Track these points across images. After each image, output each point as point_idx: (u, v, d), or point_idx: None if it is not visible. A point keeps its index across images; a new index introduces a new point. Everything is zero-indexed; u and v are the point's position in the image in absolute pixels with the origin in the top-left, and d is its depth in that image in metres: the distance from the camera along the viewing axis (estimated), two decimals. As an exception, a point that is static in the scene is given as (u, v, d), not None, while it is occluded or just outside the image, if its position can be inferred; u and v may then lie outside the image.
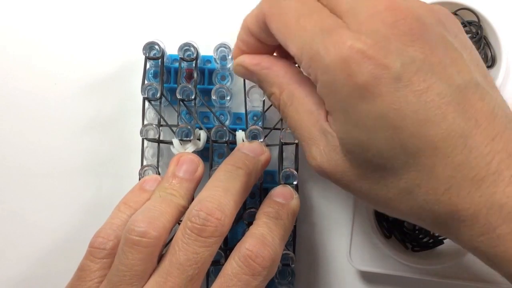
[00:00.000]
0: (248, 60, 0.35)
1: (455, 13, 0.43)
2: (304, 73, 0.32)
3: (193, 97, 0.40)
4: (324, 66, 0.28)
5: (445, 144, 0.26)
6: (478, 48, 0.44)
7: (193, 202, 0.34)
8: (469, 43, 0.31)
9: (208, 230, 0.32)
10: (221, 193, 0.34)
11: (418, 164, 0.27)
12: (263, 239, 0.33)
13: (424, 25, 0.28)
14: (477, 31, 0.43)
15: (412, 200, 0.28)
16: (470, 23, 0.44)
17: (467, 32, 0.44)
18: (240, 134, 0.41)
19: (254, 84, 0.41)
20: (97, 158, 0.46)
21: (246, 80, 0.42)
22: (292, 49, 0.30)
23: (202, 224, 0.32)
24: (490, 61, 0.44)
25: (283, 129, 0.41)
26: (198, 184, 0.38)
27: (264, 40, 0.34)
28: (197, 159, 0.38)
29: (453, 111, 0.27)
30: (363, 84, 0.27)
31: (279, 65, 0.34)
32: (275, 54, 0.36)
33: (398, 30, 0.27)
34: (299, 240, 0.43)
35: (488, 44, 0.44)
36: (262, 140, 0.40)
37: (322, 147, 0.31)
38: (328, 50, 0.27)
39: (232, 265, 0.33)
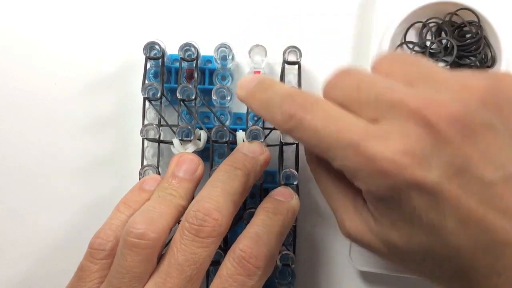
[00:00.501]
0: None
1: (455, 13, 0.43)
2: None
3: (193, 97, 0.40)
4: (363, 173, 0.27)
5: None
6: (478, 48, 0.44)
7: (191, 203, 0.34)
8: None
9: (206, 230, 0.32)
10: (219, 194, 0.34)
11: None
12: (257, 238, 0.33)
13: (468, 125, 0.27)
14: (477, 31, 0.43)
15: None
16: (470, 23, 0.44)
17: (467, 32, 0.44)
18: (240, 134, 0.41)
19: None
20: (97, 158, 0.46)
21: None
22: (329, 154, 0.29)
23: (199, 225, 0.32)
24: (490, 61, 0.44)
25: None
26: (198, 184, 0.38)
27: None
28: (197, 159, 0.38)
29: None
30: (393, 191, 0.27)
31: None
32: None
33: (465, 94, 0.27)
34: (299, 240, 0.43)
35: (488, 44, 0.44)
36: (262, 140, 0.40)
37: (354, 221, 0.31)
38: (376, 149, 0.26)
39: (227, 266, 0.33)
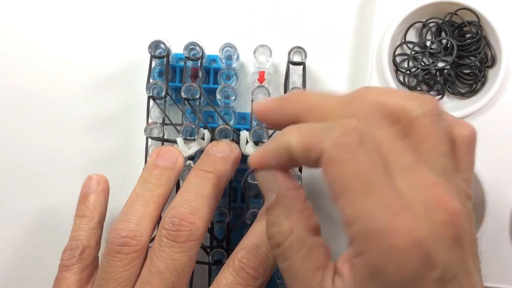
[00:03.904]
0: (283, 176, 0.31)
1: (455, 13, 0.44)
2: (348, 233, 0.28)
3: (198, 96, 0.40)
4: (381, 248, 0.25)
5: None
6: (478, 48, 0.44)
7: (166, 210, 0.34)
8: None
9: (183, 235, 0.32)
10: (193, 198, 0.34)
11: None
12: (257, 249, 0.34)
13: (464, 231, 0.27)
14: (477, 31, 0.44)
15: None
16: (470, 23, 0.44)
17: (467, 32, 0.45)
18: (244, 134, 0.41)
19: (259, 84, 0.42)
20: (101, 156, 0.46)
21: (252, 80, 0.42)
22: (346, 210, 0.26)
23: (176, 230, 0.32)
24: (490, 61, 0.44)
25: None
26: (179, 175, 0.38)
27: (299, 164, 0.30)
28: (177, 151, 0.38)
29: None
30: (411, 273, 0.25)
31: (307, 207, 0.31)
32: None
33: (447, 231, 0.26)
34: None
35: (488, 44, 0.44)
36: (266, 140, 0.40)
37: None
38: (390, 232, 0.25)
39: (226, 275, 0.33)
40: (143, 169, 0.40)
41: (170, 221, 0.33)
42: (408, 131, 0.28)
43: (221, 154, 0.38)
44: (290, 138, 0.29)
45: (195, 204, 0.34)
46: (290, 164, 0.30)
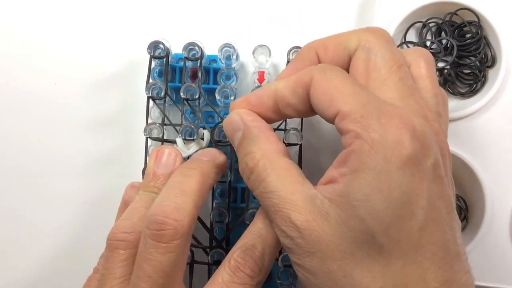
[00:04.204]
0: (246, 113, 0.34)
1: (455, 13, 0.44)
2: (342, 128, 0.30)
3: (197, 96, 0.40)
4: (376, 125, 0.28)
5: (442, 254, 0.28)
6: (478, 48, 0.44)
7: (149, 210, 0.33)
8: None
9: (168, 234, 0.31)
10: (177, 193, 0.33)
11: (415, 262, 0.27)
12: (252, 250, 0.33)
13: (449, 152, 0.31)
14: (477, 31, 0.44)
15: None
16: (470, 23, 0.44)
17: (467, 32, 0.45)
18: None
19: (259, 84, 0.42)
20: (101, 157, 0.46)
21: (252, 81, 0.42)
22: (341, 107, 0.29)
23: (160, 229, 0.31)
24: (490, 61, 0.44)
25: (286, 129, 0.41)
26: None
27: (290, 105, 0.33)
28: (175, 151, 0.38)
29: (452, 230, 0.29)
30: (407, 156, 0.27)
31: (273, 134, 0.33)
32: None
33: (436, 139, 0.30)
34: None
35: (488, 44, 0.44)
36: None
37: (305, 216, 0.29)
38: (384, 113, 0.28)
39: (222, 274, 0.33)
40: (142, 170, 0.40)
41: (154, 220, 0.31)
42: None
43: (206, 158, 0.37)
44: (277, 84, 0.33)
45: (179, 200, 0.33)
46: (272, 110, 0.34)
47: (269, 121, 0.35)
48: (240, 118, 0.34)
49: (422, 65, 0.33)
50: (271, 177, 0.31)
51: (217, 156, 0.38)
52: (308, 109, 0.32)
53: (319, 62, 0.34)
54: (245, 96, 0.35)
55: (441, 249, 0.27)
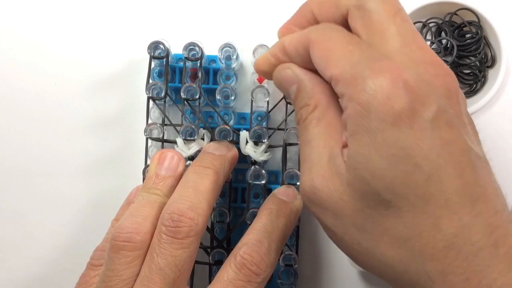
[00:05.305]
0: (297, 66, 0.33)
1: (455, 13, 0.44)
2: (337, 92, 0.30)
3: (197, 96, 0.40)
4: (365, 85, 0.27)
5: (456, 199, 0.26)
6: (478, 48, 0.44)
7: (165, 207, 0.34)
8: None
9: (183, 231, 0.32)
10: (192, 193, 0.34)
11: (426, 212, 0.27)
12: (259, 245, 0.34)
13: (458, 89, 0.29)
14: (477, 31, 0.44)
15: (406, 249, 0.27)
16: (470, 23, 0.44)
17: (467, 32, 0.45)
18: (244, 134, 0.41)
19: (259, 84, 0.42)
20: (101, 157, 0.46)
21: (251, 80, 0.42)
22: (333, 71, 0.29)
23: (176, 226, 0.32)
24: (490, 61, 0.44)
25: (287, 129, 0.41)
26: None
27: (294, 61, 0.33)
28: (178, 155, 0.38)
29: (470, 172, 0.27)
30: (399, 111, 0.26)
31: (324, 84, 0.32)
32: None
33: (439, 82, 0.28)
34: (302, 241, 0.43)
35: (488, 44, 0.44)
36: (265, 140, 0.40)
37: (323, 171, 0.30)
38: (373, 70, 0.27)
39: (227, 271, 0.33)
40: (143, 170, 0.40)
41: (169, 217, 0.32)
42: None
43: (218, 152, 0.38)
44: (284, 39, 0.33)
45: (194, 199, 0.34)
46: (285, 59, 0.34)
47: None
48: (293, 72, 0.33)
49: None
50: (315, 128, 0.31)
51: (229, 149, 0.38)
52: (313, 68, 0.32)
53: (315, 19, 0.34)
54: (264, 55, 0.35)
55: (455, 194, 0.26)
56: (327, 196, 0.29)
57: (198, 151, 0.40)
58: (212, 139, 0.41)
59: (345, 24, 0.32)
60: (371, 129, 0.27)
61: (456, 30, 0.45)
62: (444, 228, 0.26)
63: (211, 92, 0.43)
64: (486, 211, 0.27)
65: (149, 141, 0.42)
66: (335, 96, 0.32)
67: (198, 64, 0.41)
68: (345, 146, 0.29)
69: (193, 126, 0.40)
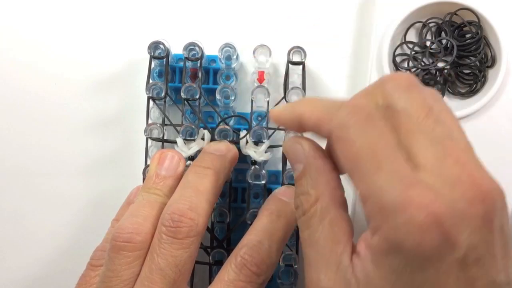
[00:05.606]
0: (310, 145, 0.31)
1: (455, 13, 0.44)
2: (364, 210, 0.27)
3: (197, 96, 0.40)
4: (395, 222, 0.24)
5: None
6: (478, 48, 0.44)
7: (165, 207, 0.34)
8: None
9: (183, 231, 0.32)
10: (192, 194, 0.34)
11: None
12: (259, 245, 0.34)
13: (495, 212, 0.25)
14: (477, 31, 0.44)
15: None
16: (470, 23, 0.44)
17: (467, 32, 0.45)
18: (243, 134, 0.41)
19: (259, 84, 0.42)
20: (101, 157, 0.46)
21: (251, 80, 0.42)
22: (360, 186, 0.26)
23: (176, 226, 0.32)
24: (490, 61, 0.44)
25: (287, 129, 0.41)
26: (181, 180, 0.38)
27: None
28: (178, 155, 0.38)
29: None
30: (429, 255, 0.24)
31: (334, 177, 0.30)
32: None
33: (475, 209, 0.24)
34: (302, 240, 0.43)
35: (488, 44, 0.44)
36: (266, 140, 0.40)
37: (332, 281, 0.27)
38: (404, 205, 0.24)
39: (228, 271, 0.33)
40: (143, 170, 0.40)
41: (170, 218, 0.32)
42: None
43: (218, 152, 0.38)
44: (304, 110, 0.29)
45: (194, 200, 0.34)
46: (304, 130, 0.31)
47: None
48: (303, 150, 0.31)
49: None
50: (319, 227, 0.28)
51: (229, 149, 0.38)
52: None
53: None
54: (279, 110, 0.32)
55: None
56: None
57: (198, 151, 0.40)
58: (212, 139, 0.41)
59: None
60: (397, 269, 0.25)
61: (456, 30, 0.45)
62: None
63: (211, 92, 0.43)
64: None
65: (149, 141, 0.42)
66: (341, 191, 0.30)
67: (198, 64, 0.41)
68: (353, 252, 0.27)
69: (193, 126, 0.40)
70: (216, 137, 0.41)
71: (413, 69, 0.45)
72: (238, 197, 0.43)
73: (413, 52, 0.45)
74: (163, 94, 0.41)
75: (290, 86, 0.42)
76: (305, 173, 0.30)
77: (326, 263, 0.27)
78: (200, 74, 0.41)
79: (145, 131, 0.41)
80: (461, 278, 0.25)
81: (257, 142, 0.40)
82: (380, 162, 0.25)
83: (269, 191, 0.41)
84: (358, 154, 0.26)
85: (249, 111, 0.42)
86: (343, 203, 0.29)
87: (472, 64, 0.44)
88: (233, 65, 0.43)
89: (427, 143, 0.26)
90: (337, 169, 0.30)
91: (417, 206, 0.23)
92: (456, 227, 0.24)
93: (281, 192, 0.38)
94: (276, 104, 0.42)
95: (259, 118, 0.42)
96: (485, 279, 0.25)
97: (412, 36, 0.46)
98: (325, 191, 0.29)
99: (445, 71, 0.45)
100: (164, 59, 0.41)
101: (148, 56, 0.41)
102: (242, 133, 0.41)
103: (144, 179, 0.40)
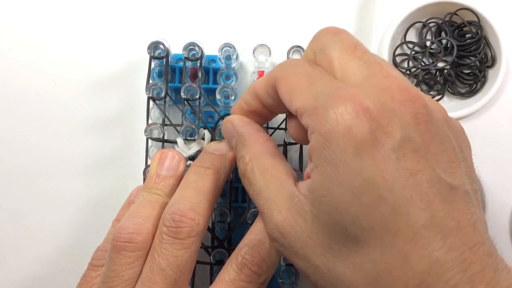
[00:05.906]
0: (238, 119, 0.36)
1: (455, 13, 0.44)
2: (303, 124, 0.29)
3: (197, 96, 0.40)
4: (326, 115, 0.26)
5: (425, 233, 0.25)
6: (478, 48, 0.44)
7: (166, 207, 0.34)
8: (471, 160, 0.30)
9: (184, 231, 0.32)
10: (192, 194, 0.34)
11: (394, 246, 0.25)
12: (260, 245, 0.34)
13: (430, 115, 0.27)
14: (477, 31, 0.44)
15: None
16: (470, 23, 0.44)
17: (467, 32, 0.45)
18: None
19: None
20: (101, 157, 0.46)
21: (251, 80, 0.42)
22: (296, 104, 0.29)
23: (177, 227, 0.32)
24: (490, 61, 0.45)
25: (286, 129, 0.41)
26: (181, 180, 0.38)
27: (267, 104, 0.34)
28: (178, 155, 0.38)
29: (439, 204, 0.25)
30: (361, 140, 0.26)
31: (261, 135, 0.34)
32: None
33: (405, 109, 0.26)
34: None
35: (488, 44, 0.44)
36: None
37: (285, 213, 0.29)
38: (334, 100, 0.27)
39: (229, 271, 0.33)
40: (143, 170, 0.40)
41: (171, 218, 0.33)
42: None
43: (219, 152, 0.38)
44: (255, 85, 0.34)
45: (195, 200, 0.34)
46: (262, 110, 0.35)
47: (266, 119, 0.37)
48: (232, 125, 0.35)
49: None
50: (257, 178, 0.32)
51: (230, 149, 0.38)
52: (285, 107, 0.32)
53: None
54: (238, 101, 0.36)
55: (424, 228, 0.25)
56: (295, 238, 0.29)
57: (199, 151, 0.40)
58: (212, 139, 0.41)
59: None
60: (333, 160, 0.26)
61: (456, 30, 0.45)
62: (415, 264, 0.25)
63: (211, 92, 0.43)
64: (459, 245, 0.25)
65: (150, 141, 0.42)
66: (270, 144, 0.34)
67: (198, 64, 0.41)
68: (306, 178, 0.29)
69: (193, 126, 0.40)
70: (216, 137, 0.41)
71: (413, 69, 0.45)
72: (238, 196, 0.43)
73: (413, 52, 0.45)
74: (163, 94, 0.41)
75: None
76: (238, 143, 0.34)
77: (274, 201, 0.30)
78: (200, 74, 0.41)
79: (145, 131, 0.41)
80: (400, 168, 0.25)
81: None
82: (312, 82, 0.29)
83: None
84: (293, 83, 0.30)
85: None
86: (276, 153, 0.33)
87: (472, 64, 0.44)
88: (233, 65, 0.43)
89: (357, 66, 0.29)
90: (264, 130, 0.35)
91: (346, 98, 0.26)
92: (387, 118, 0.26)
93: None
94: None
95: (259, 118, 0.42)
96: (428, 174, 0.26)
97: (412, 36, 0.46)
98: (255, 149, 0.33)
99: (445, 71, 0.45)
100: (164, 59, 0.41)
101: (148, 56, 0.41)
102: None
103: (144, 179, 0.40)
